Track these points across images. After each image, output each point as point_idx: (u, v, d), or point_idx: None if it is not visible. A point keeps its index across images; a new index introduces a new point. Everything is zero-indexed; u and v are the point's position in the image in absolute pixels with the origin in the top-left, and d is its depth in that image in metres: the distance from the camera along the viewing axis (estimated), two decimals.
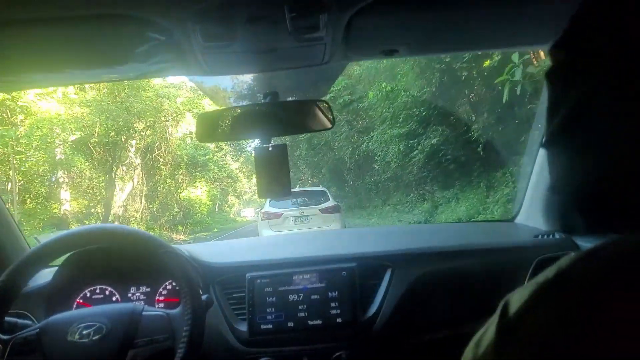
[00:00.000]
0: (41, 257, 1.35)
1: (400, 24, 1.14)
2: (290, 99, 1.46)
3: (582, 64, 0.55)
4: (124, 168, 23.91)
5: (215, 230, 26.89)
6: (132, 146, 23.64)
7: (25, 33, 1.01)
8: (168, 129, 25.85)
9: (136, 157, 24.25)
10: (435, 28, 1.19)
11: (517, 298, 0.54)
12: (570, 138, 0.58)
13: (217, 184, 35.01)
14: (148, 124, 23.20)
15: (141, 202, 24.46)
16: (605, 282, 0.49)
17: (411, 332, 1.66)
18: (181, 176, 28.75)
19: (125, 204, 23.57)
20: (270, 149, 1.37)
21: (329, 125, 1.42)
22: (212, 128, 1.43)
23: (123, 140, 22.20)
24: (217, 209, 39.27)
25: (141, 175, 24.83)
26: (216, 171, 32.51)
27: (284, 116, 1.40)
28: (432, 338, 1.66)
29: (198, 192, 33.19)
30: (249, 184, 54.32)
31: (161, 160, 25.64)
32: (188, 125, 28.06)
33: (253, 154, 1.40)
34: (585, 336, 0.46)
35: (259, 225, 11.92)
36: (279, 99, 1.38)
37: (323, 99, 1.44)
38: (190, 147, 28.51)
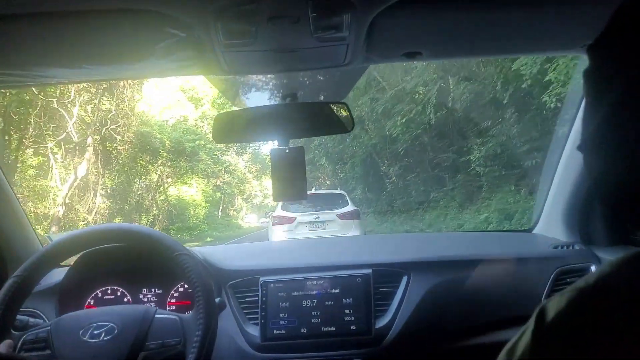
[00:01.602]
0: (55, 255, 1.35)
1: (424, 25, 1.12)
2: (308, 100, 1.44)
3: (620, 64, 0.53)
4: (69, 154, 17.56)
5: (209, 239, 22.43)
6: (73, 116, 16.48)
7: (45, 26, 1.00)
8: (132, 95, 18.89)
9: (81, 134, 17.39)
10: (461, 31, 1.17)
11: (554, 304, 0.52)
12: (604, 144, 0.56)
13: (213, 180, 30.06)
14: (104, 85, 16.46)
15: (95, 200, 18.35)
16: None
17: (427, 342, 1.63)
18: (161, 167, 23.46)
19: (71, 202, 17.37)
20: (287, 151, 1.35)
21: (348, 128, 1.40)
22: (229, 128, 1.42)
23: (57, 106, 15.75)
24: (219, 213, 34.85)
25: (95, 162, 18.20)
26: (209, 162, 27.02)
27: (302, 118, 1.38)
28: (449, 348, 1.64)
29: (193, 192, 28.70)
30: (259, 187, 50.61)
31: (118, 138, 18.88)
32: (166, 91, 25.07)
33: (269, 156, 1.37)
34: (626, 345, 0.45)
35: (270, 231, 10.96)
36: (297, 100, 1.36)
37: (343, 101, 1.42)
38: (174, 130, 24.49)
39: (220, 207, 35.65)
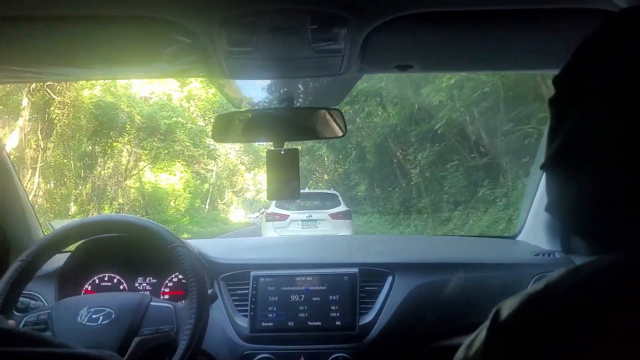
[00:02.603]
0: (57, 242, 1.42)
1: (416, 40, 1.18)
2: (304, 105, 1.50)
3: (581, 93, 0.59)
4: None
5: (185, 235, 16.55)
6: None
7: (56, 29, 1.06)
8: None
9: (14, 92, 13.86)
10: (451, 46, 1.23)
11: (508, 306, 0.59)
12: (568, 162, 0.61)
13: (194, 166, 25.22)
14: None
15: (33, 180, 14.53)
16: (586, 296, 0.54)
17: (408, 340, 1.69)
18: (128, 146, 19.89)
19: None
20: (282, 152, 1.41)
21: (341, 134, 1.47)
22: (228, 129, 1.49)
23: None
24: (206, 206, 31.62)
25: (33, 132, 14.70)
26: (188, 144, 21.61)
27: (297, 122, 1.45)
28: (429, 346, 1.70)
29: (176, 180, 24.60)
30: (253, 181, 46.97)
31: (57, 100, 14.84)
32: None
33: (265, 156, 1.44)
34: (567, 343, 0.51)
35: (263, 227, 11.23)
36: (293, 105, 1.42)
37: (337, 107, 1.48)
38: (148, 105, 20.35)
39: (208, 200, 32.80)
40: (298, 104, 1.45)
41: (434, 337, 1.70)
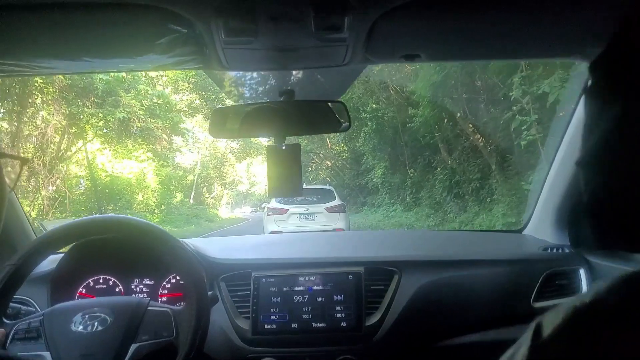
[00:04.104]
0: (50, 243, 1.35)
1: (424, 28, 1.12)
2: (305, 98, 1.44)
3: (622, 82, 0.54)
4: None
5: None
6: None
7: (45, 18, 0.99)
8: None
9: None
10: (461, 35, 1.17)
11: (550, 320, 0.53)
12: (603, 156, 0.57)
13: (152, 145, 19.96)
14: None
15: None
16: None
17: (416, 340, 1.65)
18: (45, 112, 14.86)
19: None
20: (283, 147, 1.35)
21: (346, 127, 1.41)
22: (225, 123, 1.42)
23: None
24: (191, 200, 28.71)
25: None
26: (140, 112, 16.83)
27: (299, 115, 1.38)
28: (437, 347, 1.66)
29: (147, 170, 21.33)
30: (247, 174, 45.80)
31: None
32: None
33: (265, 152, 1.38)
34: None
35: (265, 220, 12.15)
36: (294, 98, 1.36)
37: (339, 100, 1.42)
38: None
39: (192, 193, 29.91)
40: (298, 96, 1.38)
41: (442, 337, 1.67)
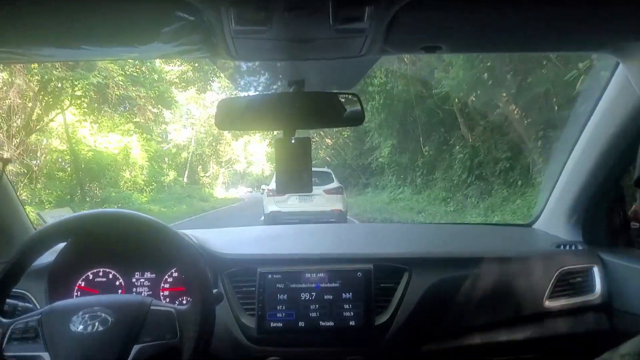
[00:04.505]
0: (49, 237, 1.30)
1: (448, 19, 1.06)
2: (316, 89, 1.38)
3: None
4: None
5: None
6: None
7: (44, 4, 0.94)
8: None
9: None
10: (485, 26, 1.11)
11: None
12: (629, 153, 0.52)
13: (135, 117, 18.66)
14: None
15: None
16: None
17: (426, 340, 1.62)
18: (7, 76, 13.19)
19: None
20: (292, 141, 1.29)
21: (359, 121, 1.35)
22: (232, 115, 1.35)
23: None
24: (184, 179, 27.81)
25: None
26: (119, 78, 15.62)
27: (309, 108, 1.32)
28: (449, 347, 1.63)
29: (135, 147, 19.69)
30: (244, 152, 44.77)
31: None
32: None
33: (274, 146, 1.32)
34: None
35: (265, 201, 12.33)
36: (304, 88, 1.30)
37: (353, 91, 1.36)
38: None
39: (186, 172, 28.71)
40: (309, 87, 1.31)
41: (454, 337, 1.64)
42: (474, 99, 11.68)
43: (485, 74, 10.47)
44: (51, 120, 16.20)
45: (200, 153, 32.69)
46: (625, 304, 1.62)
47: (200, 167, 34.23)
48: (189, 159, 29.31)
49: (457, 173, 12.87)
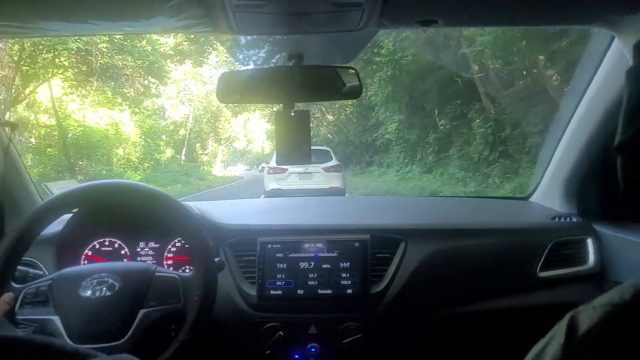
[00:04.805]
0: (58, 207, 1.35)
1: None
2: (315, 63, 1.40)
3: None
4: None
5: None
6: None
7: None
8: None
9: None
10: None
11: (586, 317, 0.51)
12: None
13: (124, 89, 17.66)
14: None
15: None
16: None
17: (420, 308, 1.66)
18: None
19: None
20: (292, 114, 1.32)
21: (357, 94, 1.38)
22: (233, 88, 1.38)
23: None
24: (182, 156, 26.63)
25: None
26: (103, 45, 14.83)
27: (308, 81, 1.34)
28: (442, 315, 1.67)
29: (126, 122, 18.76)
30: (244, 130, 43.67)
31: None
32: None
33: (273, 119, 1.35)
34: None
35: (265, 179, 12.66)
36: (303, 62, 1.32)
37: (350, 65, 1.38)
38: None
39: (184, 150, 27.56)
40: (308, 61, 1.34)
41: (446, 305, 1.68)
42: (500, 65, 10.31)
43: (519, 33, 9.14)
44: (33, 91, 15.43)
45: (198, 130, 31.82)
46: (617, 275, 1.65)
47: (198, 144, 33.43)
48: (187, 136, 28.51)
49: (477, 150, 11.67)
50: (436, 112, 13.31)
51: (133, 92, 18.66)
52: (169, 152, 24.62)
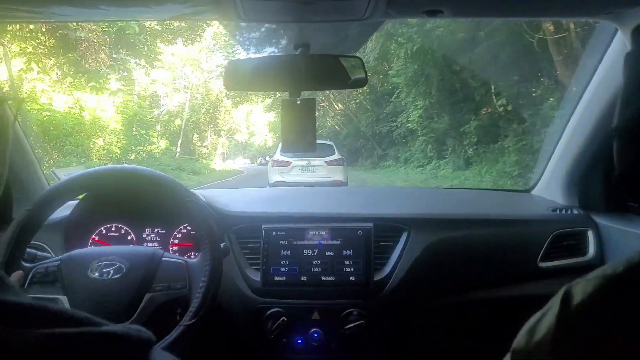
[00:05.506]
0: (66, 191, 1.38)
1: None
2: (321, 52, 1.42)
3: None
4: None
5: None
6: None
7: None
8: None
9: None
10: None
11: (580, 289, 0.52)
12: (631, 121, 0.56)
13: (80, 61, 14.88)
14: None
15: None
16: None
17: (422, 296, 1.68)
18: None
19: None
20: (298, 102, 1.34)
21: (362, 83, 1.39)
22: (241, 76, 1.40)
23: None
24: (177, 149, 24.76)
25: None
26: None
27: (314, 70, 1.36)
28: (443, 303, 1.70)
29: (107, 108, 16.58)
30: (246, 122, 42.31)
31: None
32: None
33: (280, 107, 1.37)
34: None
35: (269, 172, 12.98)
36: (309, 51, 1.34)
37: (356, 54, 1.40)
38: None
39: (180, 141, 25.57)
40: (314, 50, 1.36)
41: (447, 294, 1.70)
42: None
43: None
44: None
45: (196, 120, 29.97)
46: None
47: (196, 136, 31.54)
48: (182, 126, 26.68)
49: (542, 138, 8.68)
50: (493, 89, 10.74)
51: (95, 64, 15.51)
52: (163, 144, 22.85)
